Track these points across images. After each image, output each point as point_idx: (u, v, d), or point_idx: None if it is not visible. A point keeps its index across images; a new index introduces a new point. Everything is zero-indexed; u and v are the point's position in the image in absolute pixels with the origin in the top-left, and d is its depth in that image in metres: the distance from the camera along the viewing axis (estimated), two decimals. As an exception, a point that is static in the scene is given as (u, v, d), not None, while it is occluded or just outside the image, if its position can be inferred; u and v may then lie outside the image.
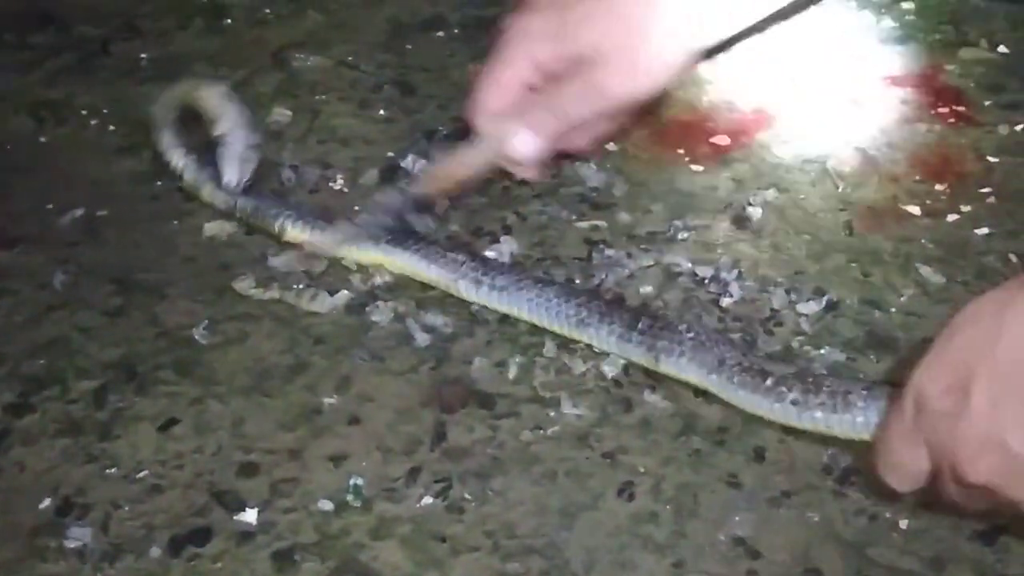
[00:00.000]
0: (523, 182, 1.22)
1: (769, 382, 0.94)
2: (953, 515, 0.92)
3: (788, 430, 0.98)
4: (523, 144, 1.01)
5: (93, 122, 1.36)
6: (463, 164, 1.03)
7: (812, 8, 1.46)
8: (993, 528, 0.92)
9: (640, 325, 1.02)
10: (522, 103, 1.01)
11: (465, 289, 1.09)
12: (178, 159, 1.21)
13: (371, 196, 1.22)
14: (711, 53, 1.10)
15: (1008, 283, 0.72)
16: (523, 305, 1.07)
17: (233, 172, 1.18)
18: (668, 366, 1.00)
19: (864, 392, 0.89)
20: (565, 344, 1.07)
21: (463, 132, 1.31)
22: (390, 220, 1.06)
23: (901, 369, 0.87)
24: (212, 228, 1.20)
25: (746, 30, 1.10)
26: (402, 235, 1.12)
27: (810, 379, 0.93)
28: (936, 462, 0.74)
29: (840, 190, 1.24)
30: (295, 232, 1.15)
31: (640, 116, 1.16)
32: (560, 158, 1.12)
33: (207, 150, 1.20)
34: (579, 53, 0.99)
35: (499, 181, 1.21)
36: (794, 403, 0.92)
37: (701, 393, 1.01)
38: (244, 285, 1.13)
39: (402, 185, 1.01)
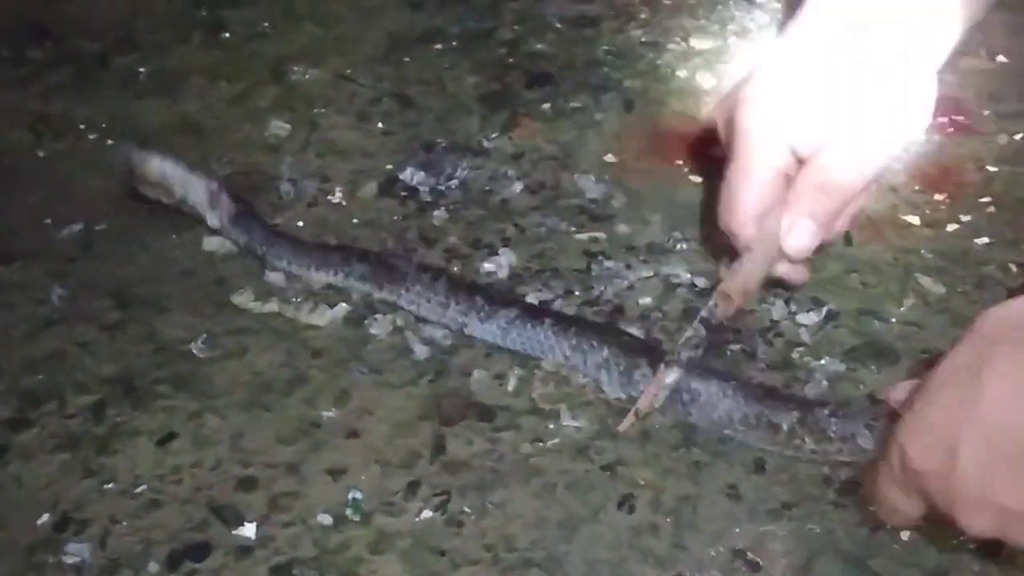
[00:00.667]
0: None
1: (782, 436, 0.97)
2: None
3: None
4: (803, 236, 0.96)
5: (91, 136, 1.36)
6: (749, 277, 1.00)
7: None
8: (996, 540, 0.91)
9: (636, 376, 1.02)
10: (780, 197, 0.96)
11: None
12: (171, 200, 1.20)
13: (371, 214, 1.23)
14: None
15: (978, 336, 0.71)
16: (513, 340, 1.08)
17: (213, 219, 1.19)
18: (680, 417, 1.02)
19: (867, 433, 0.94)
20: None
21: (459, 146, 1.32)
22: (700, 351, 1.03)
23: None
24: (211, 243, 1.20)
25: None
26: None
27: (820, 427, 0.96)
28: (932, 504, 0.75)
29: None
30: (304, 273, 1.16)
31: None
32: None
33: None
34: (835, 123, 0.94)
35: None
36: (813, 452, 0.97)
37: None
38: (243, 299, 1.13)
39: (704, 316, 0.99)
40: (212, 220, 1.18)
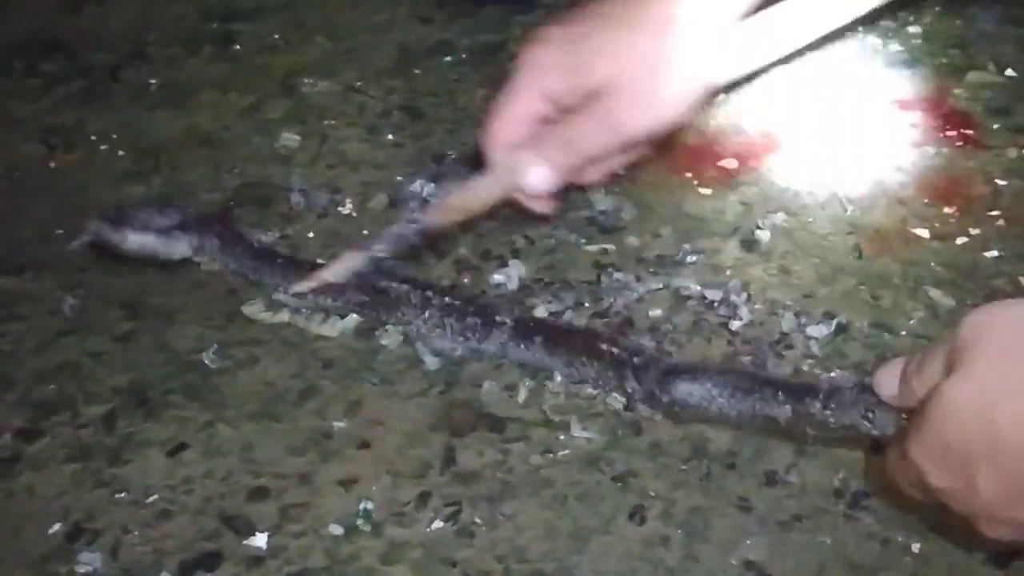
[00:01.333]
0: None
1: (783, 427, 0.94)
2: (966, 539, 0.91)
3: (799, 453, 0.98)
4: (537, 177, 0.99)
5: (102, 148, 1.37)
6: (475, 196, 1.02)
7: (825, 43, 1.47)
8: (1007, 551, 0.91)
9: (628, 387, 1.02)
10: (536, 136, 1.00)
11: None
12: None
13: (382, 225, 1.23)
14: (726, 88, 1.10)
15: (992, 348, 0.71)
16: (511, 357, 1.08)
17: (206, 262, 1.15)
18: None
19: (868, 423, 0.91)
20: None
21: (473, 158, 1.32)
22: (398, 247, 1.04)
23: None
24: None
25: (760, 68, 1.09)
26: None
27: (818, 421, 0.94)
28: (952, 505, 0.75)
29: (849, 213, 1.24)
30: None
31: (653, 148, 1.15)
32: (571, 189, 1.11)
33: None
34: (593, 86, 0.97)
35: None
36: (815, 439, 0.94)
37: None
38: (253, 309, 1.14)
39: (413, 215, 1.00)
40: (206, 265, 1.16)
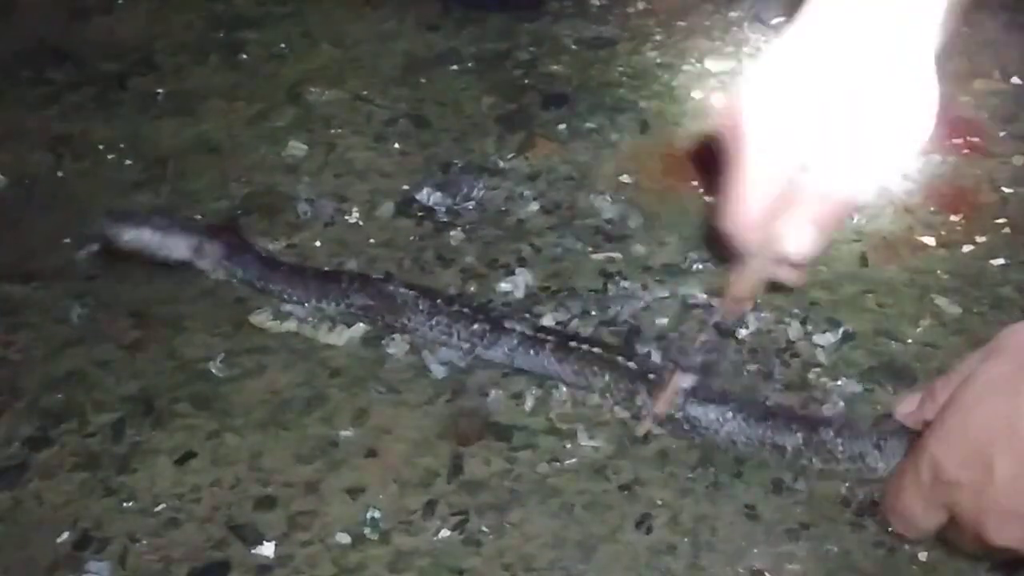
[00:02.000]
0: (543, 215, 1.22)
1: (789, 456, 0.98)
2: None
3: (806, 462, 0.99)
4: (803, 239, 0.95)
5: (110, 157, 1.37)
6: (751, 282, 1.00)
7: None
8: (1014, 560, 0.91)
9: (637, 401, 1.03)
10: (783, 202, 0.96)
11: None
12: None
13: (390, 233, 1.23)
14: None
15: (1013, 350, 0.72)
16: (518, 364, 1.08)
17: (204, 265, 1.18)
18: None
19: (877, 452, 0.95)
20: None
21: (476, 166, 1.32)
22: (714, 357, 1.05)
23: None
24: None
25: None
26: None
27: (824, 448, 0.97)
28: (957, 521, 0.75)
29: (855, 221, 1.24)
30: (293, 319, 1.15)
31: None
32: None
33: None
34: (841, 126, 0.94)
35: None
36: (821, 472, 0.98)
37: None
38: (261, 318, 1.14)
39: (710, 323, 0.99)
40: (203, 266, 1.18)
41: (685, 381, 1.00)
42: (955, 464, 0.73)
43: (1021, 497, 0.70)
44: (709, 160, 1.32)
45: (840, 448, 0.97)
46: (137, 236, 1.16)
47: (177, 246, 1.17)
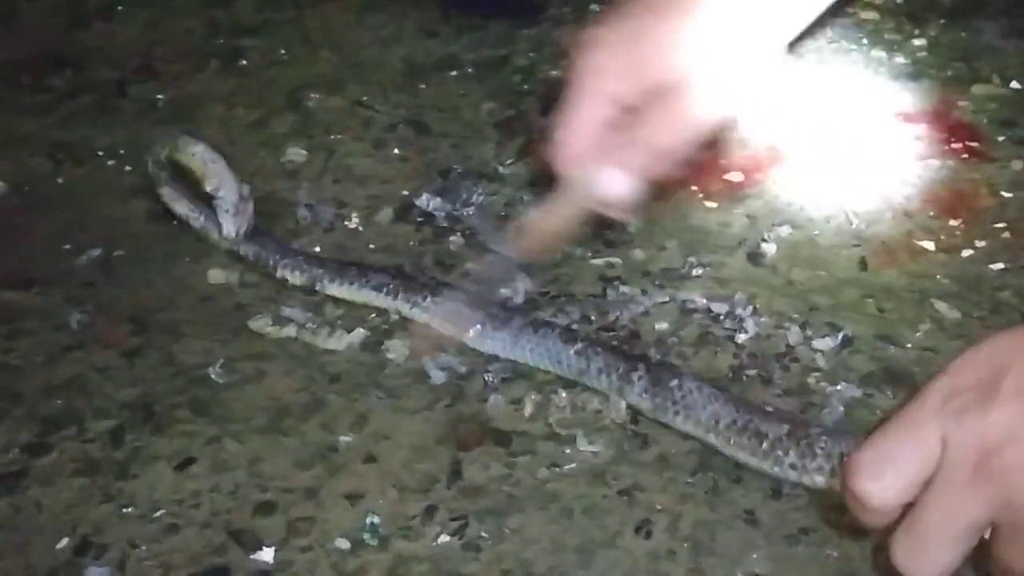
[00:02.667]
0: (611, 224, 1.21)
1: (766, 445, 0.97)
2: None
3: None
4: (614, 184, 0.97)
5: (110, 163, 1.37)
6: (557, 215, 1.00)
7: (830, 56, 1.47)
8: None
9: (638, 377, 1.03)
10: (605, 142, 0.98)
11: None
12: (183, 209, 1.21)
13: (390, 239, 1.23)
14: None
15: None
16: (525, 352, 1.09)
17: (230, 225, 1.19)
18: (668, 420, 1.02)
19: None
20: (580, 381, 1.07)
21: (475, 172, 1.33)
22: (495, 288, 1.05)
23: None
24: (217, 275, 1.21)
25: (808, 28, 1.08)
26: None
27: (805, 440, 0.96)
28: (951, 459, 0.72)
29: (854, 226, 1.24)
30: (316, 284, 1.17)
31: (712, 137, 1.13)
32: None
33: (206, 201, 1.20)
34: (658, 82, 0.96)
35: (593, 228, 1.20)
36: (792, 467, 0.96)
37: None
38: (260, 324, 1.14)
39: (498, 249, 0.99)
40: (228, 227, 1.18)
41: (456, 303, 1.03)
42: (967, 384, 0.70)
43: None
44: (711, 167, 1.32)
45: (821, 444, 0.95)
46: (206, 154, 1.18)
47: (230, 186, 1.18)
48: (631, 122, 0.97)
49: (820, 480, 0.95)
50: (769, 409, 1.02)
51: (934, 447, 0.72)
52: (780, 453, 0.96)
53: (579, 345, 1.06)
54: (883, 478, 0.71)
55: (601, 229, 1.23)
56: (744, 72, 0.96)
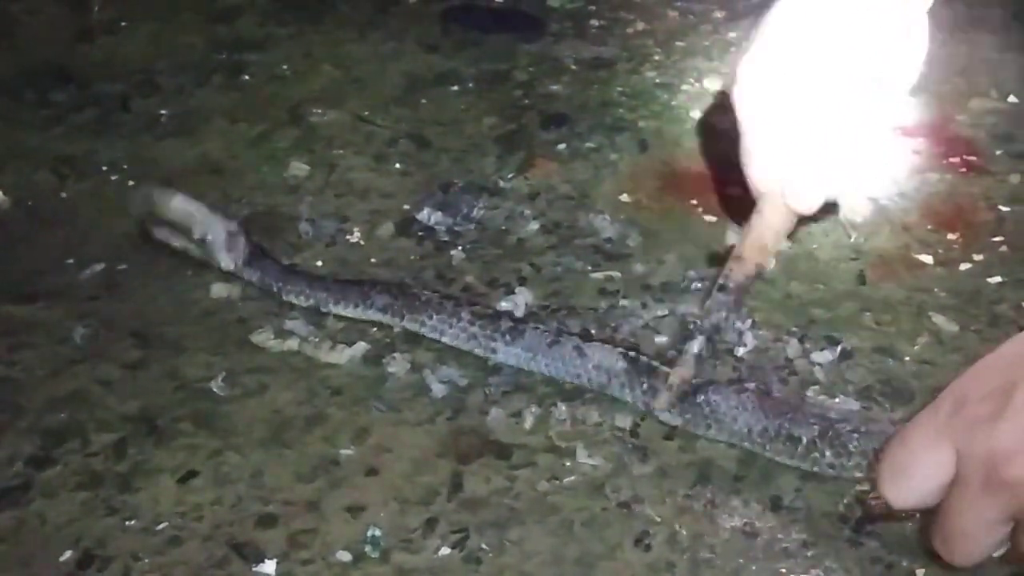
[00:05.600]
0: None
1: (801, 449, 0.99)
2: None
3: (805, 477, 0.99)
4: (807, 191, 0.96)
5: (113, 177, 1.38)
6: (760, 235, 0.99)
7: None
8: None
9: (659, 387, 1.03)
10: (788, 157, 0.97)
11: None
12: (180, 244, 1.21)
13: (391, 253, 1.24)
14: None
15: None
16: (539, 362, 1.10)
17: (227, 260, 1.19)
18: (703, 433, 1.04)
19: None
20: (580, 394, 1.07)
21: (476, 186, 1.33)
22: (723, 322, 1.04)
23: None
24: (220, 289, 1.21)
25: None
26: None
27: (838, 441, 0.98)
28: (964, 468, 0.73)
29: (852, 240, 1.24)
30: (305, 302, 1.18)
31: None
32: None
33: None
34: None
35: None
36: (830, 466, 0.99)
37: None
38: (262, 337, 1.14)
39: (722, 283, 0.99)
40: (226, 262, 1.19)
41: (695, 346, 0.99)
42: (977, 394, 0.71)
43: None
44: (710, 180, 1.33)
45: (854, 443, 0.97)
46: (184, 206, 1.18)
47: (216, 228, 1.18)
48: (808, 135, 0.98)
49: (858, 474, 0.98)
50: (795, 403, 1.03)
51: (947, 457, 0.74)
52: (817, 455, 0.99)
53: (597, 357, 1.07)
54: (902, 487, 0.75)
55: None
56: None
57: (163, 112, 1.49)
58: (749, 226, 0.98)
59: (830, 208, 1.03)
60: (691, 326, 1.02)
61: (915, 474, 0.76)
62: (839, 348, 1.11)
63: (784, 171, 0.96)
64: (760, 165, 0.96)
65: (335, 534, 0.96)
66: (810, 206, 0.97)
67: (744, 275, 0.98)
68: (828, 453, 0.98)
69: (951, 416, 0.73)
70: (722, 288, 0.97)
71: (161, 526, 0.97)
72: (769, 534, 0.95)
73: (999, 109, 1.43)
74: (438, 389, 1.09)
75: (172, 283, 1.22)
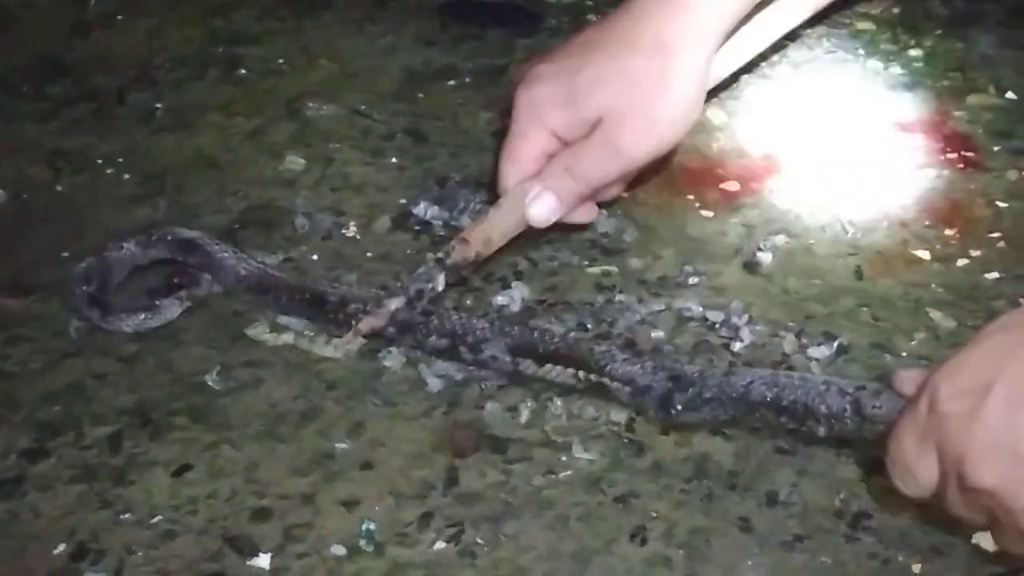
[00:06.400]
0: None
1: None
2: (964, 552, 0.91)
3: (801, 473, 0.99)
4: (541, 208, 1.03)
5: (109, 171, 1.38)
6: (491, 228, 1.05)
7: (806, 33, 1.48)
8: (1009, 572, 0.91)
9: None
10: (542, 168, 1.03)
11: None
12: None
13: (387, 248, 1.24)
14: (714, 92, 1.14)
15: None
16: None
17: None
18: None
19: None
20: (576, 388, 1.07)
21: (477, 180, 1.33)
22: (427, 291, 1.09)
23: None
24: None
25: (746, 65, 1.14)
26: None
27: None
28: (942, 465, 0.74)
29: (850, 235, 1.24)
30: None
31: (655, 170, 1.19)
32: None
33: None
34: (594, 116, 1.00)
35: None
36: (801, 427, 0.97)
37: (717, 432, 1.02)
38: (257, 331, 1.14)
39: (437, 256, 1.04)
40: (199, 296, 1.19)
41: (394, 303, 1.08)
42: (950, 392, 0.72)
43: (1009, 428, 0.69)
44: (708, 175, 1.33)
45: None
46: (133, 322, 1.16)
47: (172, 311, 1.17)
48: (566, 152, 1.03)
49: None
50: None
51: (933, 456, 0.74)
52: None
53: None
54: (909, 483, 0.77)
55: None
56: (681, 104, 1.00)
57: (159, 106, 1.48)
58: (485, 216, 1.10)
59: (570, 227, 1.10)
60: (398, 285, 1.11)
61: (913, 472, 0.77)
62: (836, 344, 1.11)
63: (533, 180, 1.02)
64: (516, 165, 1.02)
65: (330, 528, 0.96)
66: (543, 222, 1.04)
67: (463, 257, 1.09)
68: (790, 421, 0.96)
69: (927, 416, 0.73)
70: (439, 261, 1.09)
71: (155, 519, 0.97)
72: (765, 529, 0.95)
73: (997, 105, 1.43)
74: (434, 383, 1.09)
75: (167, 276, 1.22)
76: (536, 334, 1.07)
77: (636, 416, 1.05)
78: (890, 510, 0.96)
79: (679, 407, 0.99)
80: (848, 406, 0.92)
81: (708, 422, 1.00)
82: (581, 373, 1.04)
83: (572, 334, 1.10)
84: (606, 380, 1.03)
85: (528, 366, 1.06)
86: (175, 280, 1.18)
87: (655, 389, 1.00)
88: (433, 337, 1.09)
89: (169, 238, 1.20)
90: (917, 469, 0.77)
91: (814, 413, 0.94)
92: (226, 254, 1.18)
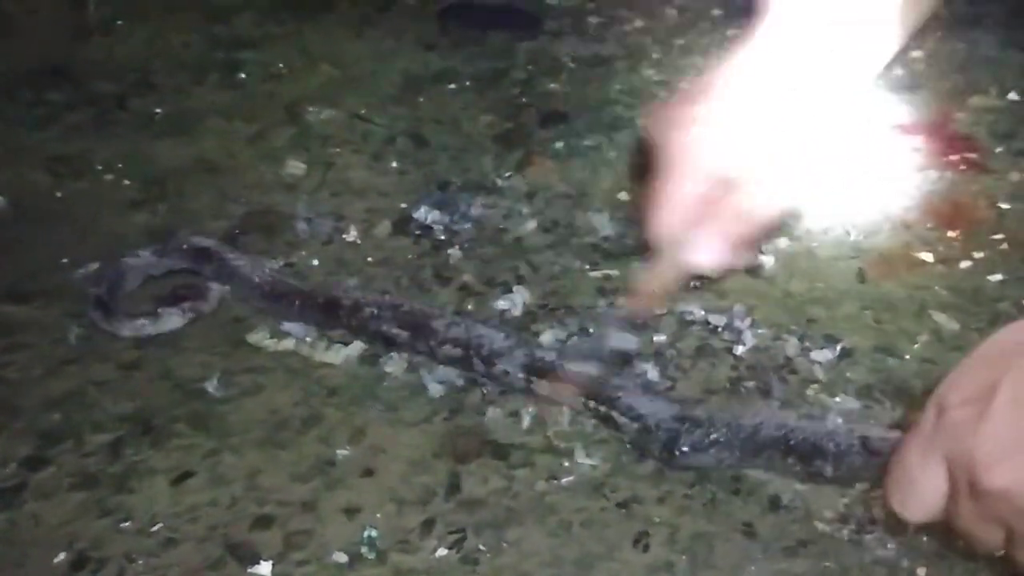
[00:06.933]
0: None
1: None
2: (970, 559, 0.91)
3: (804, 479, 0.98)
4: (710, 254, 1.00)
5: (108, 177, 1.37)
6: (660, 282, 1.04)
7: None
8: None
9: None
10: (698, 214, 1.00)
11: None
12: None
13: (388, 252, 1.24)
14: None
15: None
16: None
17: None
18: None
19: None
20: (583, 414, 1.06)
21: (473, 185, 1.33)
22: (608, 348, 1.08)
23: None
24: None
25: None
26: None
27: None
28: (952, 476, 0.73)
29: (852, 238, 1.24)
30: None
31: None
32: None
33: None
34: (747, 165, 0.98)
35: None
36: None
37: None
38: (258, 337, 1.14)
39: (612, 313, 1.03)
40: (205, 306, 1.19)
41: (591, 369, 1.03)
42: (957, 399, 0.71)
43: (1018, 427, 0.68)
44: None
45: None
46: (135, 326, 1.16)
47: (174, 320, 1.17)
48: (721, 196, 0.99)
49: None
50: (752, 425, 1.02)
51: (941, 468, 0.74)
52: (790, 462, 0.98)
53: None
54: (909, 504, 0.75)
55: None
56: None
57: (159, 111, 1.49)
58: (652, 270, 1.03)
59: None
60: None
61: (917, 490, 0.76)
62: (839, 347, 1.11)
63: (690, 228, 1.00)
64: (668, 218, 1.00)
65: (331, 535, 0.96)
66: (710, 268, 1.01)
67: (641, 314, 1.01)
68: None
69: (936, 425, 0.73)
70: (612, 319, 1.03)
71: (156, 527, 0.96)
72: (768, 534, 0.95)
73: (999, 107, 1.43)
74: (435, 389, 1.08)
75: (168, 283, 1.22)
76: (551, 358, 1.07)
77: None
78: (894, 516, 0.95)
79: (684, 448, 0.99)
80: (856, 441, 0.93)
81: (711, 466, 1.00)
82: (591, 403, 1.04)
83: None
84: (615, 413, 1.03)
85: (542, 387, 1.06)
86: (181, 292, 1.17)
87: (662, 429, 1.00)
88: (448, 346, 1.09)
89: (184, 247, 1.20)
90: (921, 483, 0.76)
91: (822, 452, 0.95)
92: (241, 262, 1.18)
